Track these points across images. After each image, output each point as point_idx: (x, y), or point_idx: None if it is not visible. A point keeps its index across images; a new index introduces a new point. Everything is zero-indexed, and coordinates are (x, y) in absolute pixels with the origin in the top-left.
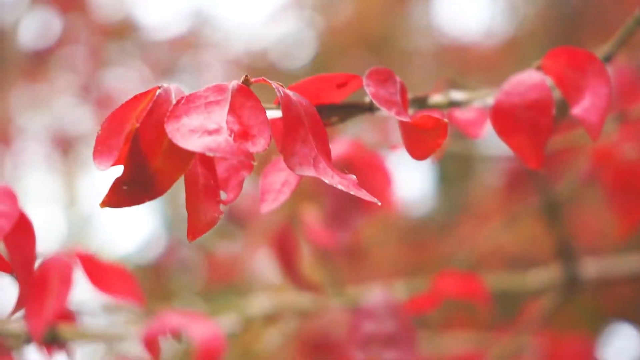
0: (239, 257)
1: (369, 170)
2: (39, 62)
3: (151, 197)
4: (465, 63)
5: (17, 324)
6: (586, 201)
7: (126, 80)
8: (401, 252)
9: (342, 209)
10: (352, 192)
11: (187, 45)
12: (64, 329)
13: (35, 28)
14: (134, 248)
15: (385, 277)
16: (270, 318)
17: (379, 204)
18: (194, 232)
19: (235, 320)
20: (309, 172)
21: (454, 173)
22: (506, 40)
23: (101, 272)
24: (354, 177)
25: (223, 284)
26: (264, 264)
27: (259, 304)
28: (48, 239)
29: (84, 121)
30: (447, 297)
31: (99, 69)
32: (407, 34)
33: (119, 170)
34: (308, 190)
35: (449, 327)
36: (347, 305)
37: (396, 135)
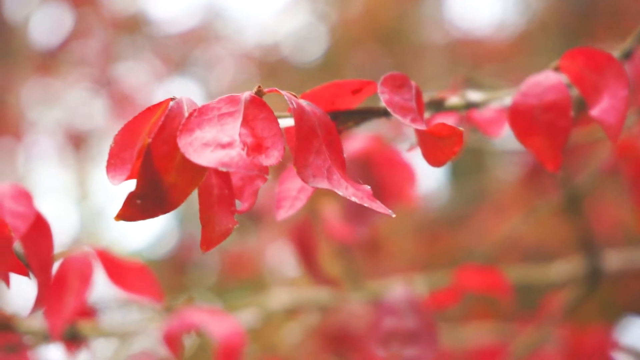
0: (253, 253)
1: (389, 165)
2: (50, 56)
3: (165, 210)
4: (477, 56)
5: (37, 321)
6: (603, 194)
7: (138, 74)
8: (417, 245)
9: (360, 205)
10: (366, 205)
11: (199, 39)
12: (84, 325)
13: (47, 23)
14: (146, 243)
15: (402, 271)
16: (290, 313)
17: (393, 215)
18: (208, 243)
19: (255, 315)
20: (323, 184)
21: (467, 166)
22: (518, 33)
23: (120, 270)
24: (369, 187)
25: (237, 279)
26: (278, 259)
27: (278, 298)
28: (60, 234)
29: (96, 115)
30: (468, 291)
31: (111, 63)
32: (419, 27)
33: (132, 183)
34: None
35: (470, 319)
36: (367, 300)
37: (411, 132)
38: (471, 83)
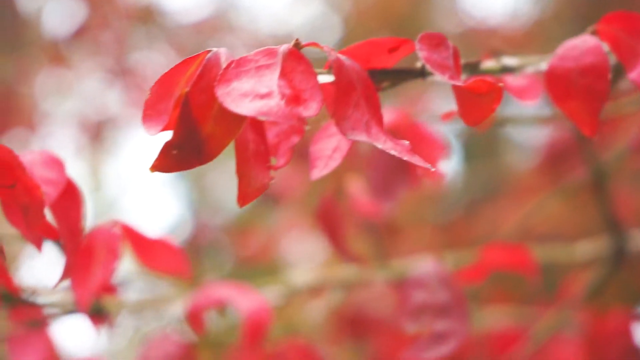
0: (271, 237)
1: (417, 139)
2: (64, 47)
3: (202, 161)
4: (491, 45)
5: (61, 294)
6: (622, 175)
7: (152, 65)
8: (434, 230)
9: (387, 178)
10: (405, 158)
11: (212, 28)
12: (107, 300)
13: (60, 13)
14: (160, 232)
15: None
16: (315, 290)
17: (433, 169)
18: (243, 197)
19: (279, 292)
20: (361, 137)
21: (479, 153)
22: (532, 22)
23: (146, 244)
24: (407, 142)
25: (254, 265)
26: (297, 243)
27: (302, 276)
28: None
29: (110, 106)
30: (495, 269)
31: (125, 54)
32: (433, 16)
33: (165, 135)
34: (352, 161)
35: (486, 302)
36: (392, 278)
37: (435, 106)
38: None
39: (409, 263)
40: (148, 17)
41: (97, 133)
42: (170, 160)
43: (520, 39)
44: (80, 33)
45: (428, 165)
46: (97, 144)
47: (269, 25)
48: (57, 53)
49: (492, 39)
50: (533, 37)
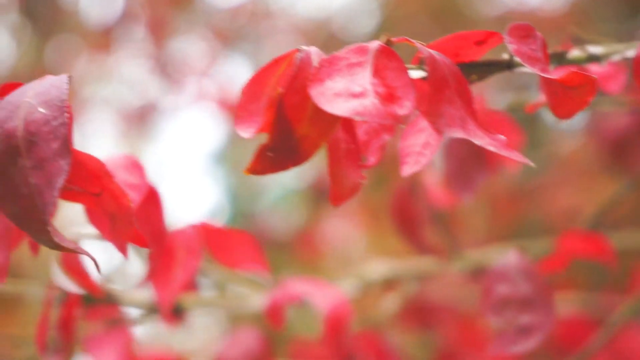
0: (321, 230)
1: (495, 127)
2: (104, 33)
3: (296, 163)
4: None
5: (138, 294)
6: None
7: (193, 50)
8: (491, 217)
9: (465, 169)
10: (503, 154)
11: (249, 14)
12: (185, 298)
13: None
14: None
15: (480, 242)
16: (389, 283)
17: (532, 165)
18: (337, 198)
19: (354, 285)
20: (458, 133)
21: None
22: (571, 3)
23: (225, 242)
24: (503, 137)
25: (301, 259)
26: (346, 238)
27: (376, 268)
28: None
29: (150, 91)
30: (574, 257)
31: (165, 39)
32: (471, 0)
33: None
34: None
35: (558, 288)
36: (468, 269)
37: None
38: (580, 42)
39: (484, 253)
40: (187, 3)
41: (138, 119)
42: (265, 162)
43: (560, 21)
44: (121, 19)
45: (527, 161)
46: (137, 130)
47: (306, 9)
48: (97, 39)
49: (531, 21)
50: (573, 18)
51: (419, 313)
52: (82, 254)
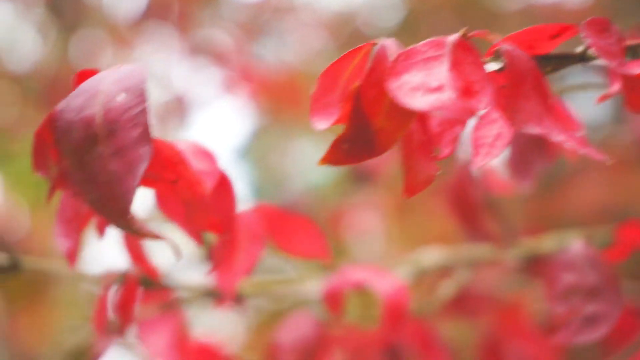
0: (354, 216)
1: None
2: (131, 26)
3: (372, 155)
4: (554, 21)
5: (195, 279)
6: None
7: (220, 42)
8: (526, 207)
9: (525, 155)
10: (581, 152)
11: (273, 8)
12: (244, 284)
13: None
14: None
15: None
16: (444, 270)
17: (609, 163)
18: (411, 190)
19: (409, 272)
20: (535, 129)
21: None
22: None
23: (287, 229)
24: (580, 133)
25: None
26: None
27: (431, 255)
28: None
29: (177, 85)
30: (635, 248)
31: (190, 33)
32: None
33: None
34: None
35: None
36: (522, 257)
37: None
38: None
39: (539, 242)
40: None
41: (164, 113)
42: (340, 154)
43: (584, 14)
44: (148, 12)
45: (600, 156)
46: (164, 123)
47: (330, 4)
48: (122, 33)
49: (555, 15)
50: (597, 11)
51: (464, 301)
52: (162, 239)
